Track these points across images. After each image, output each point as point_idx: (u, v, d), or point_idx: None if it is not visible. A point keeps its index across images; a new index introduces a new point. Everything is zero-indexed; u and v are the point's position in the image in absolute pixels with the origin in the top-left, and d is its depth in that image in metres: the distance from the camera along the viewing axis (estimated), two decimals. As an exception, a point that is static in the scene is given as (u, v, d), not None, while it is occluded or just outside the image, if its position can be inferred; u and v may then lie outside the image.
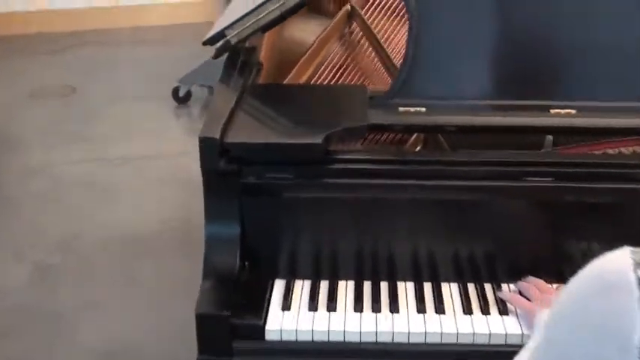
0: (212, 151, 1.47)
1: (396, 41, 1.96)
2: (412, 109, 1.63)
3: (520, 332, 1.44)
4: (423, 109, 1.63)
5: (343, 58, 1.87)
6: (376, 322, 1.45)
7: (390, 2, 1.98)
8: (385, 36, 1.92)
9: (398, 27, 1.97)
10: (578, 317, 0.88)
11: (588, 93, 1.61)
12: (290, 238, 1.55)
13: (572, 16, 1.60)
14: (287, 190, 1.51)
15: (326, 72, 1.83)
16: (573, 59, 1.62)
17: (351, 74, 1.86)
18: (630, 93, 1.61)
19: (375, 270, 1.56)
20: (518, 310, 1.48)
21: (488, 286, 1.54)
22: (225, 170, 1.49)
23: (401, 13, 1.96)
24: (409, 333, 1.44)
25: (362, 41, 1.90)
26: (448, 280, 1.55)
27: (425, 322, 1.46)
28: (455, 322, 1.46)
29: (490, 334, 1.44)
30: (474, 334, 1.44)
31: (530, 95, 1.62)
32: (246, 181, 1.50)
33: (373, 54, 1.89)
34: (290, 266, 1.57)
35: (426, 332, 1.44)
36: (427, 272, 1.56)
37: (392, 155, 1.55)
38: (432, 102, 1.63)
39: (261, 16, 1.73)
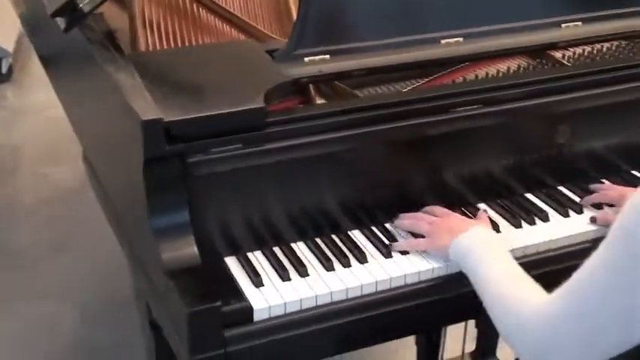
0: (158, 135, 1.33)
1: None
2: (317, 58, 1.59)
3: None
4: (327, 57, 1.60)
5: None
6: (354, 275, 1.43)
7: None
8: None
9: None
10: None
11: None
12: (241, 212, 1.45)
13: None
14: (237, 161, 1.40)
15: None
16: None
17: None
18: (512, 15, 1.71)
19: (323, 225, 1.53)
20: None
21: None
22: (172, 153, 1.35)
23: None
24: (391, 279, 1.44)
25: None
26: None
27: (397, 264, 1.47)
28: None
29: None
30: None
31: (426, 28, 1.66)
32: (194, 160, 1.37)
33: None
34: (240, 241, 1.47)
35: (405, 275, 1.45)
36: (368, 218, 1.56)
37: (331, 107, 1.50)
38: (333, 48, 1.61)
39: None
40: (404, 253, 1.49)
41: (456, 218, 1.51)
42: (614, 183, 1.70)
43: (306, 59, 1.59)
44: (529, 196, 1.67)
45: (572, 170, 1.70)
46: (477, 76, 1.70)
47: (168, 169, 1.36)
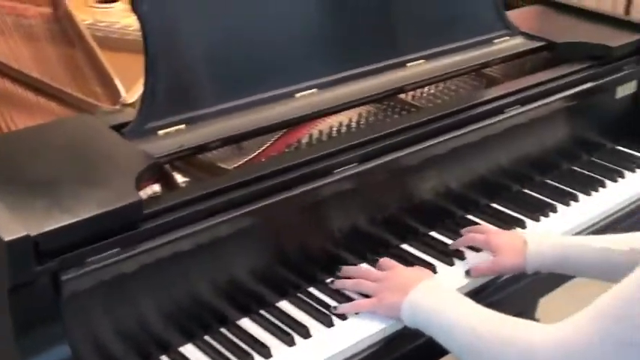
0: (26, 255, 1.06)
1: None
2: (172, 129, 1.39)
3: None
4: (183, 127, 1.40)
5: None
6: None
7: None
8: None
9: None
10: None
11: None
12: (133, 322, 1.21)
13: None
14: (119, 267, 1.16)
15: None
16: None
17: None
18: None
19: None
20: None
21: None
22: (43, 273, 1.09)
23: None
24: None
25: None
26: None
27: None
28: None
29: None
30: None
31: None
32: (69, 277, 1.11)
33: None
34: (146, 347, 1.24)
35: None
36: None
37: (214, 186, 1.29)
38: (188, 116, 1.41)
39: None
40: (343, 317, 1.36)
41: (402, 273, 1.39)
42: (478, 218, 1.65)
43: (161, 132, 1.38)
44: (405, 246, 1.56)
45: (441, 213, 1.63)
46: (329, 130, 1.61)
47: (39, 294, 1.09)
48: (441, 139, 1.57)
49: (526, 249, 1.45)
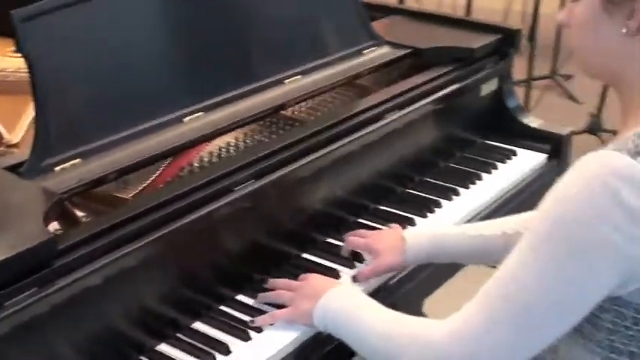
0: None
1: None
2: (68, 165, 1.39)
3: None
4: (78, 160, 1.41)
5: None
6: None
7: None
8: None
9: None
10: (610, 210, 1.03)
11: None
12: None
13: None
14: (36, 307, 1.15)
15: None
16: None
17: None
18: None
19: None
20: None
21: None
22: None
23: None
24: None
25: None
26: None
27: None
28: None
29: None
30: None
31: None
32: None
33: None
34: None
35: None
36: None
37: (117, 218, 1.29)
38: (82, 150, 1.42)
39: None
40: (258, 330, 1.39)
41: (314, 281, 1.42)
42: (369, 221, 1.72)
43: (57, 168, 1.37)
44: (306, 255, 1.61)
45: (335, 220, 1.69)
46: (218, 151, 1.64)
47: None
48: (328, 149, 1.62)
49: (404, 244, 1.52)
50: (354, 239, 1.60)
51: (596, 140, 3.67)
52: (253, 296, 1.47)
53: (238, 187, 1.45)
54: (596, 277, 1.07)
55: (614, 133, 3.78)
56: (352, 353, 1.34)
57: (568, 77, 4.53)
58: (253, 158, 1.49)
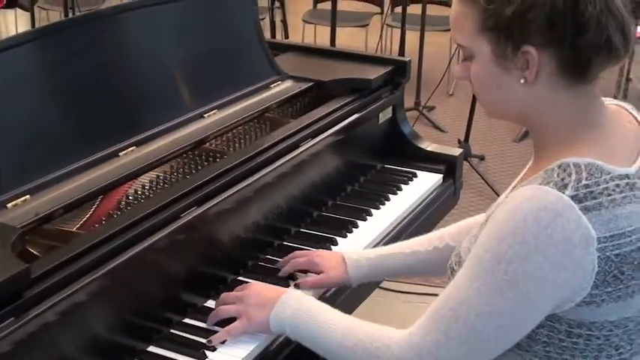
0: None
1: None
2: (19, 201, 1.43)
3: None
4: (28, 197, 1.45)
5: None
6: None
7: None
8: None
9: None
10: (544, 244, 1.13)
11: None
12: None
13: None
14: (12, 337, 1.19)
15: None
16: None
17: None
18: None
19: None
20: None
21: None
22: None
23: None
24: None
25: None
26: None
27: None
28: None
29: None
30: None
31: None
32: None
33: None
34: None
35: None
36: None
37: (81, 245, 1.34)
38: (29, 187, 1.47)
39: None
40: (212, 348, 1.43)
41: (259, 289, 1.49)
42: (294, 243, 1.83)
43: (9, 205, 1.42)
44: (242, 278, 1.68)
45: (262, 244, 1.78)
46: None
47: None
48: (254, 177, 1.72)
49: (345, 265, 1.63)
50: (295, 260, 1.68)
51: (466, 165, 3.92)
52: (200, 319, 1.53)
53: (184, 214, 1.52)
54: (534, 304, 1.18)
55: (482, 158, 4.16)
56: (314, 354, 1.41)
57: (431, 108, 4.81)
58: (196, 185, 1.57)
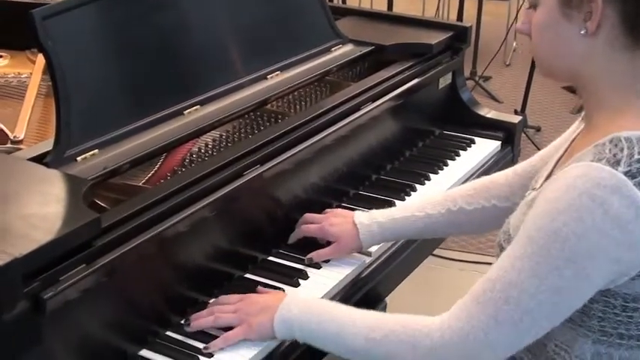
0: (15, 279, 1.11)
1: None
2: (88, 155, 1.47)
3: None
4: (96, 151, 1.49)
5: None
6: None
7: None
8: None
9: None
10: (600, 221, 1.12)
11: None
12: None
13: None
14: (85, 282, 1.23)
15: None
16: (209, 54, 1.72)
17: None
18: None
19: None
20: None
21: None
22: (28, 294, 1.14)
23: None
24: None
25: None
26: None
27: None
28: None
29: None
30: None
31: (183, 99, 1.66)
32: (50, 296, 1.17)
33: None
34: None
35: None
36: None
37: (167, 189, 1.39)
38: (98, 141, 1.50)
39: None
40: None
41: (257, 297, 1.42)
42: (352, 205, 1.82)
43: (79, 158, 1.46)
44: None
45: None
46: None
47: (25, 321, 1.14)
48: (315, 139, 1.73)
49: (357, 231, 1.60)
50: (307, 226, 1.64)
51: (523, 136, 3.88)
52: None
53: (246, 172, 1.54)
54: (590, 280, 1.17)
55: (538, 129, 4.13)
56: (320, 357, 1.39)
57: (487, 78, 4.77)
58: (257, 144, 1.60)
